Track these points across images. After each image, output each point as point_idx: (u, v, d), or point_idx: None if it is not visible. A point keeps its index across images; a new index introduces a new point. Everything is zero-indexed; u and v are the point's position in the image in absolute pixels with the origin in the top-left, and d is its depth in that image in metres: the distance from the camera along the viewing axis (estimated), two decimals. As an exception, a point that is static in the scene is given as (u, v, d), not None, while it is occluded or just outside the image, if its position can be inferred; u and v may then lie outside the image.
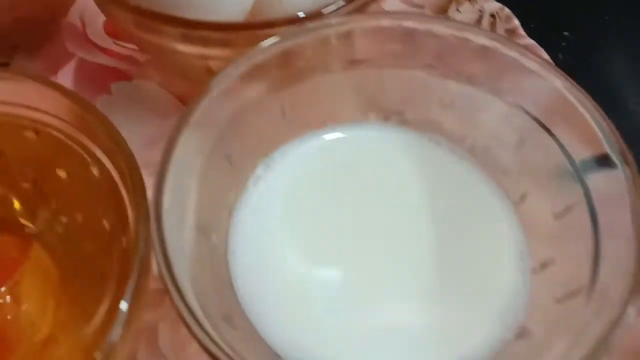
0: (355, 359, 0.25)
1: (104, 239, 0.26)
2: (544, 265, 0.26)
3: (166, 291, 0.21)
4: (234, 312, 0.25)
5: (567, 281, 0.24)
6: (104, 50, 0.40)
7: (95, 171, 0.26)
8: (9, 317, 0.27)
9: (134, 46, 0.39)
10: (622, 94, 0.40)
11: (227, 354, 0.20)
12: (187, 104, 0.34)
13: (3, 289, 0.27)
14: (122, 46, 0.40)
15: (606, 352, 0.19)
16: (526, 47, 0.27)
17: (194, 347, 0.28)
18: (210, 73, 0.31)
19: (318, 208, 0.28)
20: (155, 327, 0.30)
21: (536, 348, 0.23)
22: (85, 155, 0.26)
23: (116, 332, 0.20)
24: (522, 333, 0.25)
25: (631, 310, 0.20)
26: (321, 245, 0.27)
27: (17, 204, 0.28)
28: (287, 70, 0.28)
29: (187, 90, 0.37)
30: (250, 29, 0.28)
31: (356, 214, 0.28)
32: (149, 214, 0.22)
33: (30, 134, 0.27)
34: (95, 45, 0.40)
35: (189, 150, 0.25)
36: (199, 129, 0.25)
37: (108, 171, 0.25)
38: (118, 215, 0.25)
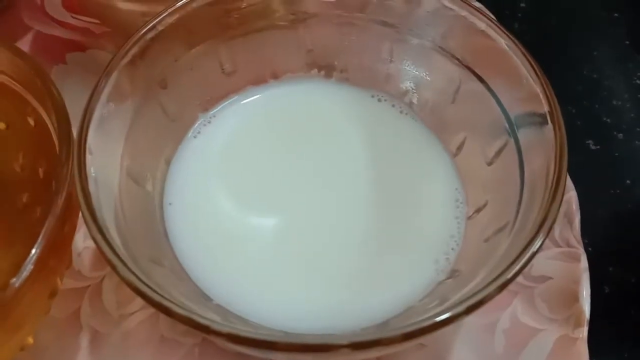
0: (289, 303, 0.25)
1: (39, 187, 0.26)
2: (477, 211, 0.26)
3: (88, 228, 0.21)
4: (164, 257, 0.25)
5: (495, 222, 0.25)
6: (60, 23, 0.40)
7: (31, 121, 0.26)
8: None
9: (90, 19, 0.39)
10: (576, 63, 0.40)
11: (150, 288, 0.20)
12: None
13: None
14: (79, 19, 0.40)
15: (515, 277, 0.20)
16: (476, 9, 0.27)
17: (137, 304, 0.29)
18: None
19: (257, 160, 0.29)
20: (99, 285, 0.30)
21: (462, 282, 0.23)
22: (23, 106, 0.26)
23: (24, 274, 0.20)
24: (452, 273, 0.25)
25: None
26: (259, 194, 0.28)
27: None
28: (224, 23, 0.28)
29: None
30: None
31: (295, 165, 0.29)
32: (71, 154, 0.22)
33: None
34: (52, 18, 0.40)
35: (119, 94, 0.25)
36: (129, 74, 0.25)
37: (43, 120, 0.25)
38: (50, 161, 0.25)
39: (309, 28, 0.30)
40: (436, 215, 0.27)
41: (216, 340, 0.21)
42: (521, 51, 0.25)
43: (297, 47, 0.30)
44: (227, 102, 0.30)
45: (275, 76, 0.31)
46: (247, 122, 0.30)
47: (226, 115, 0.30)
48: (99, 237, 0.21)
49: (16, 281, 0.20)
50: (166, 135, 0.28)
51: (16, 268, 0.23)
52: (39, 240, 0.20)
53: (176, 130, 0.28)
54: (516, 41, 0.26)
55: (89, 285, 0.29)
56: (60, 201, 0.21)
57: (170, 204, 0.27)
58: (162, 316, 0.29)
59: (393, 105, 0.30)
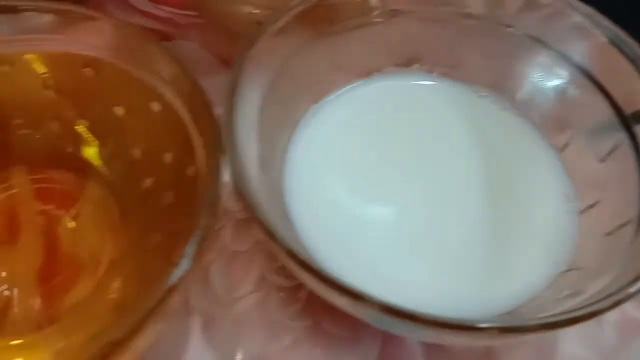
0: (415, 289, 0.25)
1: (164, 172, 0.27)
2: (591, 206, 0.27)
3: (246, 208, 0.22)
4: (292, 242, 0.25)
5: (616, 218, 0.25)
6: (144, 14, 0.40)
7: (155, 106, 0.27)
8: (68, 251, 0.27)
9: (173, 9, 0.40)
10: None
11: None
12: (229, 64, 0.35)
13: (62, 222, 0.28)
14: (162, 9, 0.41)
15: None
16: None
17: (245, 288, 0.29)
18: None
19: (366, 150, 0.29)
20: (207, 269, 0.30)
21: (589, 275, 0.24)
22: (145, 91, 0.27)
23: (185, 263, 0.21)
24: (572, 265, 0.25)
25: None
26: (374, 183, 0.28)
27: (75, 141, 0.29)
28: (333, 18, 0.29)
29: (228, 51, 0.38)
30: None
31: (404, 156, 0.29)
32: (220, 141, 0.23)
33: (89, 72, 0.28)
34: (134, 8, 0.41)
35: (251, 84, 0.25)
36: (257, 65, 0.26)
37: (169, 104, 0.26)
38: (182, 147, 0.25)
39: (412, 22, 0.31)
40: (547, 209, 0.28)
41: (365, 312, 0.21)
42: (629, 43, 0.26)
43: (400, 42, 0.31)
44: (334, 95, 0.30)
45: (379, 69, 0.31)
46: (354, 113, 0.30)
47: (334, 107, 0.30)
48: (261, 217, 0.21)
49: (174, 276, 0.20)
50: (283, 124, 0.28)
51: (137, 250, 0.24)
52: (195, 235, 0.21)
53: (290, 119, 0.29)
54: (621, 32, 0.26)
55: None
56: (214, 192, 0.22)
57: (289, 190, 0.28)
58: (272, 300, 0.30)
59: (494, 101, 0.31)
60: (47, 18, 0.27)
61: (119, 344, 0.19)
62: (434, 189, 0.28)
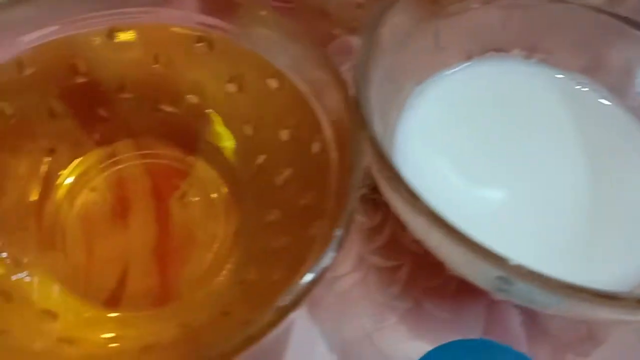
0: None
1: (280, 149, 0.27)
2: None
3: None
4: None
5: None
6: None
7: (272, 83, 0.27)
8: (180, 227, 0.27)
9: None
10: None
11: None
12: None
13: (173, 198, 0.28)
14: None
15: None
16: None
17: (347, 266, 0.29)
18: (361, 8, 0.32)
19: (468, 134, 0.29)
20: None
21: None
22: (261, 67, 0.27)
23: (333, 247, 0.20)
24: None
25: None
26: (477, 168, 0.29)
27: (184, 117, 0.29)
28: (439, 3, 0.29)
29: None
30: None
31: (504, 141, 0.29)
32: (359, 118, 0.23)
33: (202, 47, 0.28)
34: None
35: (374, 65, 0.25)
36: (380, 46, 0.26)
37: (290, 81, 0.26)
38: (303, 124, 0.26)
39: (515, 9, 0.31)
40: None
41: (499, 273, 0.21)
42: None
43: (502, 27, 0.31)
44: (436, 76, 0.30)
45: (481, 53, 0.31)
46: (456, 95, 0.30)
47: (437, 88, 0.30)
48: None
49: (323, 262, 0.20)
50: (391, 103, 0.28)
51: (253, 226, 0.24)
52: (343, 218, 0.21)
53: (397, 99, 0.29)
54: None
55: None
56: (359, 174, 0.22)
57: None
58: (372, 280, 0.30)
59: (591, 87, 0.31)
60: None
61: (265, 328, 0.19)
62: (536, 172, 0.29)
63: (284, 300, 0.19)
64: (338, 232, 0.20)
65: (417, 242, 0.29)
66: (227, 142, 0.28)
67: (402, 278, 0.30)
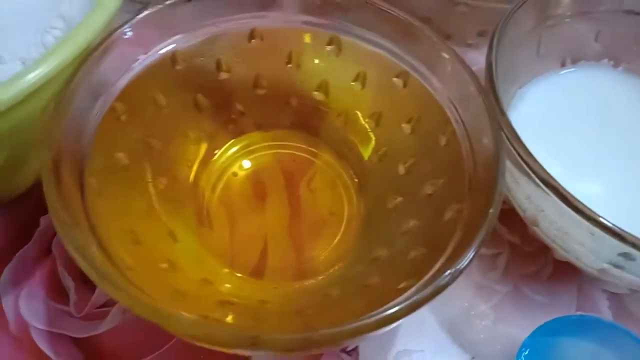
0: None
1: (402, 141, 0.30)
2: None
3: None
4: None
5: None
6: None
7: (397, 81, 0.30)
8: (310, 209, 0.30)
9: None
10: None
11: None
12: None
13: (302, 184, 0.31)
14: None
15: None
16: None
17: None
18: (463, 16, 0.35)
19: (566, 129, 0.33)
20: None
21: None
22: (386, 68, 0.30)
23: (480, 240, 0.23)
24: None
25: None
26: (579, 164, 0.32)
27: (310, 111, 0.32)
28: (546, 14, 0.32)
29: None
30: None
31: (597, 137, 0.33)
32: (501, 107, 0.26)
33: (332, 50, 0.31)
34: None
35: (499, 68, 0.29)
36: (501, 50, 0.29)
37: (414, 79, 0.29)
38: (429, 119, 0.29)
39: (604, 23, 0.34)
40: None
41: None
42: None
43: (593, 38, 0.34)
44: (535, 80, 0.34)
45: (574, 62, 0.34)
46: (552, 98, 0.34)
47: (536, 92, 0.33)
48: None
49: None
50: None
51: (377, 210, 0.27)
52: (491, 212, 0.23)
53: (505, 98, 0.32)
54: None
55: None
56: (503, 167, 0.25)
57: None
58: (474, 265, 0.33)
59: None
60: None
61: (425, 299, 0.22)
62: (624, 165, 0.31)
63: (445, 277, 0.22)
64: (492, 210, 0.22)
65: (513, 233, 0.33)
66: (351, 134, 0.31)
67: (501, 265, 0.33)
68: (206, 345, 0.21)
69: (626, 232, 0.23)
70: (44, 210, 0.33)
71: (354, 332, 0.20)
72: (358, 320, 0.20)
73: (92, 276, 0.20)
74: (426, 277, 0.22)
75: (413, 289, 0.22)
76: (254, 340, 0.19)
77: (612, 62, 0.35)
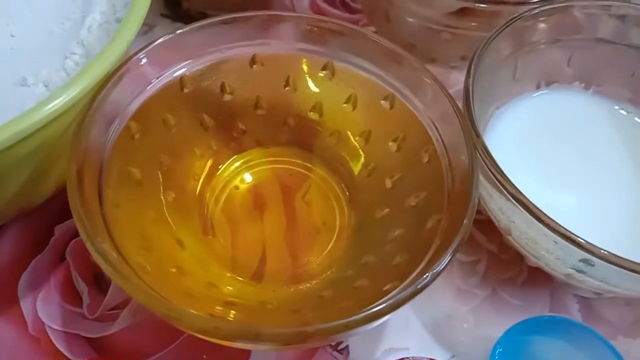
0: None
1: (388, 158, 0.33)
2: None
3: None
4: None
5: None
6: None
7: (384, 103, 0.33)
8: (305, 219, 0.33)
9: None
10: None
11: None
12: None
13: (297, 196, 0.34)
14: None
15: None
16: None
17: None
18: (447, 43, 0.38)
19: (540, 146, 0.36)
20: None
21: None
22: (374, 91, 0.33)
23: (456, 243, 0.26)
24: None
25: None
26: (547, 176, 0.35)
27: (305, 130, 0.35)
28: (522, 41, 0.36)
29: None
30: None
31: (569, 155, 0.36)
32: (475, 128, 0.29)
33: (326, 75, 0.34)
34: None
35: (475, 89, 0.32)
36: (478, 72, 0.32)
37: (400, 101, 0.32)
38: (413, 138, 0.32)
39: (576, 49, 0.37)
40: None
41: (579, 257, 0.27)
42: None
43: (566, 63, 0.37)
44: (511, 102, 0.37)
45: (548, 84, 0.38)
46: (529, 118, 0.37)
47: (513, 112, 0.37)
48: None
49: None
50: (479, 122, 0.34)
51: (366, 220, 0.30)
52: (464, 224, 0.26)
53: (483, 119, 0.35)
54: None
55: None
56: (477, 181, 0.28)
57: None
58: (455, 272, 0.36)
59: (635, 114, 0.37)
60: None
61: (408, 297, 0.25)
62: (593, 179, 0.35)
63: (424, 279, 0.25)
64: (466, 221, 0.26)
65: (491, 242, 0.36)
66: (342, 151, 0.34)
67: (480, 271, 0.36)
68: (213, 339, 0.24)
69: (584, 241, 0.26)
70: (58, 220, 0.36)
71: (344, 327, 0.23)
72: (348, 317, 0.23)
73: (114, 277, 0.23)
74: (408, 280, 0.25)
75: (396, 290, 0.25)
76: (256, 334, 0.22)
77: (583, 85, 0.38)
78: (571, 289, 0.35)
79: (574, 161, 0.35)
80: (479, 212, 0.35)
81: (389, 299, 0.24)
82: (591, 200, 0.34)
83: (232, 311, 0.28)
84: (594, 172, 0.35)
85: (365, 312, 0.23)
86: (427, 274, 0.24)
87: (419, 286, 0.24)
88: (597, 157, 0.36)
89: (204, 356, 0.32)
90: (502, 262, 0.36)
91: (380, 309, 0.23)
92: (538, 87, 0.38)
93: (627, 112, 0.38)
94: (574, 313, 0.35)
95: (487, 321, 0.34)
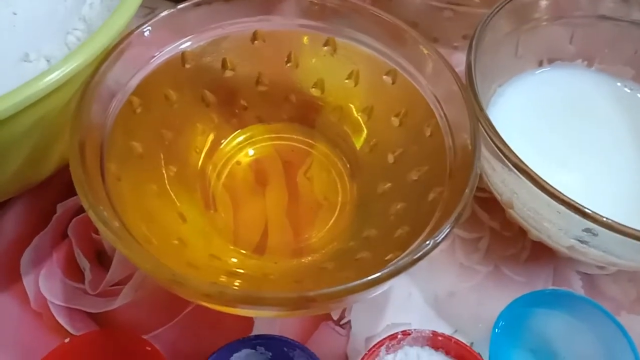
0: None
1: (391, 133, 0.33)
2: None
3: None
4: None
5: None
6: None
7: (387, 79, 0.33)
8: (307, 195, 0.33)
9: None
10: None
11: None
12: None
13: (299, 172, 0.34)
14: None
15: None
16: None
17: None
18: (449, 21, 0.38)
19: (542, 122, 0.36)
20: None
21: None
22: (376, 66, 0.33)
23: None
24: None
25: None
26: (550, 151, 0.34)
27: (307, 105, 0.35)
28: (524, 18, 0.36)
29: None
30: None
31: (570, 131, 0.36)
32: (479, 103, 0.29)
33: (328, 51, 0.34)
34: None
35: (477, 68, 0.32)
36: (480, 50, 0.32)
37: (402, 77, 0.32)
38: (416, 113, 0.32)
39: (577, 27, 0.37)
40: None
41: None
42: None
43: (569, 39, 0.37)
44: (514, 79, 0.37)
45: (550, 62, 0.37)
46: (531, 95, 0.37)
47: (515, 89, 0.36)
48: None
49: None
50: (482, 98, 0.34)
51: (368, 195, 0.30)
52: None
53: (486, 96, 0.35)
54: None
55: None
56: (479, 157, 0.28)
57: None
58: (457, 248, 0.36)
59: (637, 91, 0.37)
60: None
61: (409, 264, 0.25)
62: (595, 154, 0.35)
63: (423, 247, 0.25)
64: (467, 190, 0.26)
65: (493, 220, 0.36)
66: (345, 127, 0.34)
67: (482, 247, 0.36)
68: (216, 306, 0.24)
69: (587, 209, 0.26)
70: (60, 198, 0.36)
71: (344, 292, 0.23)
72: (347, 283, 0.23)
73: (118, 245, 0.23)
74: (409, 250, 0.25)
75: (396, 260, 0.25)
76: (259, 297, 0.22)
77: (585, 62, 0.38)
78: (574, 264, 0.35)
79: (576, 138, 0.35)
80: (481, 189, 0.35)
81: (390, 266, 0.24)
82: (593, 178, 0.34)
83: (237, 280, 0.28)
84: (596, 149, 0.35)
85: (366, 278, 0.23)
86: (428, 241, 0.24)
87: (418, 254, 0.24)
88: (599, 135, 0.36)
89: (204, 332, 0.32)
90: (504, 239, 0.36)
91: (380, 275, 0.23)
92: (540, 65, 0.38)
93: (630, 89, 0.38)
94: (577, 289, 0.35)
95: (490, 297, 0.34)
